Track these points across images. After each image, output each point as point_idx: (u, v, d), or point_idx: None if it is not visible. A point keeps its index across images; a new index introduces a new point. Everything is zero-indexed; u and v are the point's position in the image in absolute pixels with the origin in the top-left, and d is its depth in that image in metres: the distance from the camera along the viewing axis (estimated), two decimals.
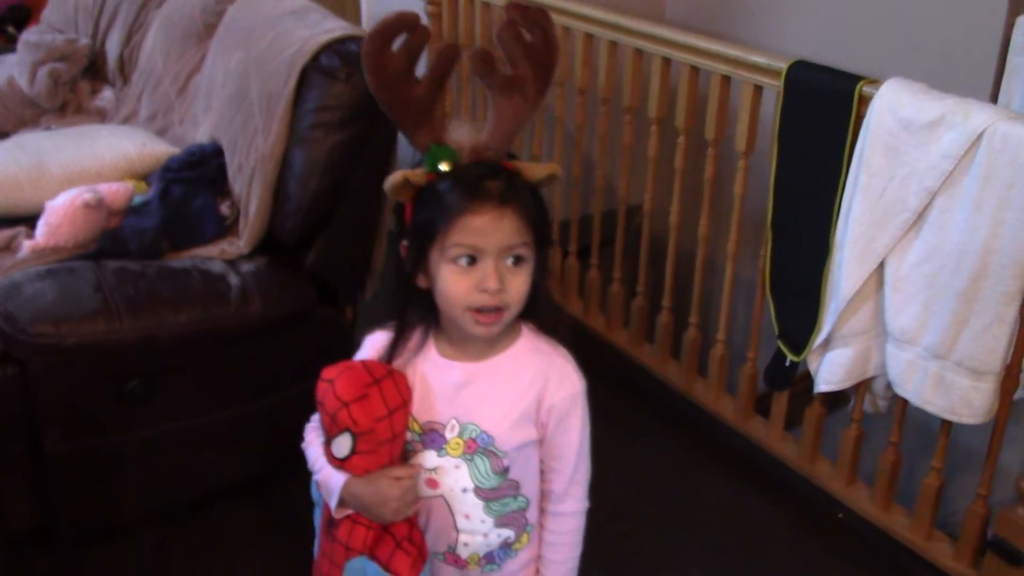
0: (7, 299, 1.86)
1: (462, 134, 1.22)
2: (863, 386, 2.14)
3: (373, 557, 1.26)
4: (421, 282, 1.23)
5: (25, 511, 1.97)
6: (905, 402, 2.02)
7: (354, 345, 2.31)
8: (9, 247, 2.19)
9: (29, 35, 3.09)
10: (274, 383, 2.14)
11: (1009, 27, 2.38)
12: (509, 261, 1.18)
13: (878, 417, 2.22)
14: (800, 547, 2.21)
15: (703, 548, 2.19)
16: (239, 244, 2.13)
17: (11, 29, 3.95)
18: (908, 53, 2.81)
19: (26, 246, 2.12)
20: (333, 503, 1.26)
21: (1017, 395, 1.92)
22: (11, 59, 3.06)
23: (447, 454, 1.27)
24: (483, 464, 1.27)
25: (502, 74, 1.20)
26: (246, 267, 2.07)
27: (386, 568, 1.26)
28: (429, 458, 1.28)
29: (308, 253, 2.15)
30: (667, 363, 2.68)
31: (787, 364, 2.23)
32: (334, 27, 2.15)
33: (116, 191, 2.21)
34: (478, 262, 1.17)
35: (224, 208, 2.21)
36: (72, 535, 2.04)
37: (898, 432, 2.12)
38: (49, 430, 1.88)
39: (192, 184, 2.22)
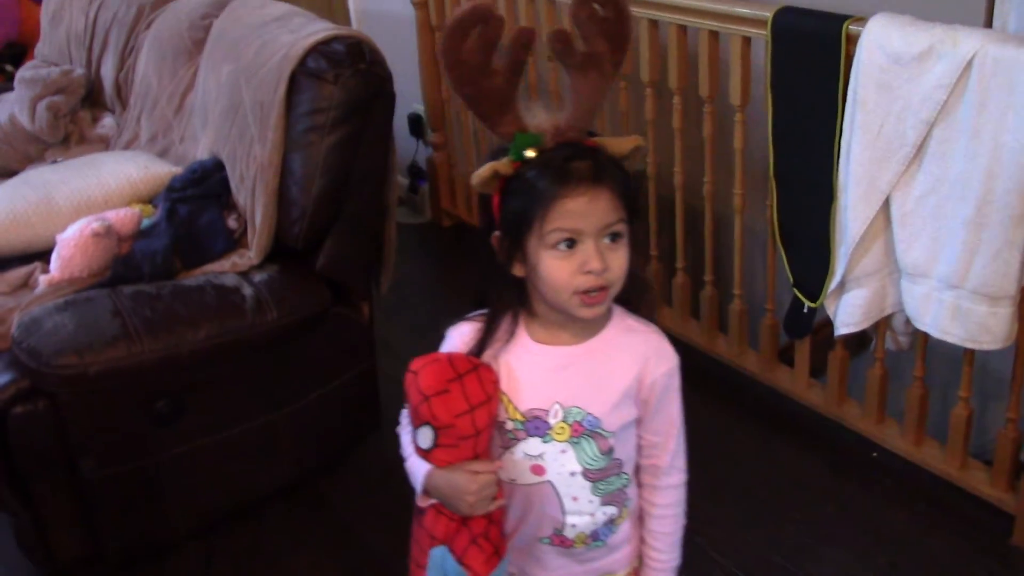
0: (29, 335, 1.89)
1: (540, 118, 1.20)
2: (883, 324, 2.14)
3: (451, 548, 1.27)
4: (517, 271, 1.22)
5: (72, 541, 2.01)
6: (926, 336, 2.02)
7: (375, 341, 2.35)
8: (27, 284, 2.23)
9: (24, 71, 3.12)
10: (299, 387, 2.17)
11: None
12: (607, 239, 1.18)
13: (902, 354, 2.22)
14: (835, 491, 2.22)
15: (740, 500, 2.20)
16: (249, 255, 2.15)
17: (8, 67, 3.99)
18: None
19: (42, 281, 2.15)
20: (418, 491, 1.27)
21: None
22: (10, 97, 3.10)
23: (552, 439, 1.27)
24: (590, 447, 1.27)
25: (579, 52, 1.19)
26: (258, 277, 2.10)
27: (460, 561, 1.26)
28: (533, 445, 1.27)
29: (318, 255, 2.17)
30: (687, 323, 2.69)
31: (805, 311, 2.23)
32: (318, 29, 2.16)
33: (124, 217, 2.24)
34: (578, 244, 1.16)
35: (231, 221, 2.23)
36: (120, 559, 2.08)
37: (921, 366, 2.12)
38: (85, 458, 1.92)
39: (197, 201, 2.25)
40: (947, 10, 1.96)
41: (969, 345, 1.89)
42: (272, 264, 2.15)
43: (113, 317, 1.92)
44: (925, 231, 1.89)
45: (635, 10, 2.41)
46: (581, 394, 1.26)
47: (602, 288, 1.18)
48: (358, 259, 2.26)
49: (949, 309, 1.88)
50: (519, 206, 1.18)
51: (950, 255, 1.85)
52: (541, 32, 2.74)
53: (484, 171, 1.18)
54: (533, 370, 1.27)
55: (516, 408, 1.27)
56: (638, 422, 1.30)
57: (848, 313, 2.09)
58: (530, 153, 1.17)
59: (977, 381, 2.06)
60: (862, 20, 1.93)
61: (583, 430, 1.26)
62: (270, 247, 2.15)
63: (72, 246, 2.12)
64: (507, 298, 1.27)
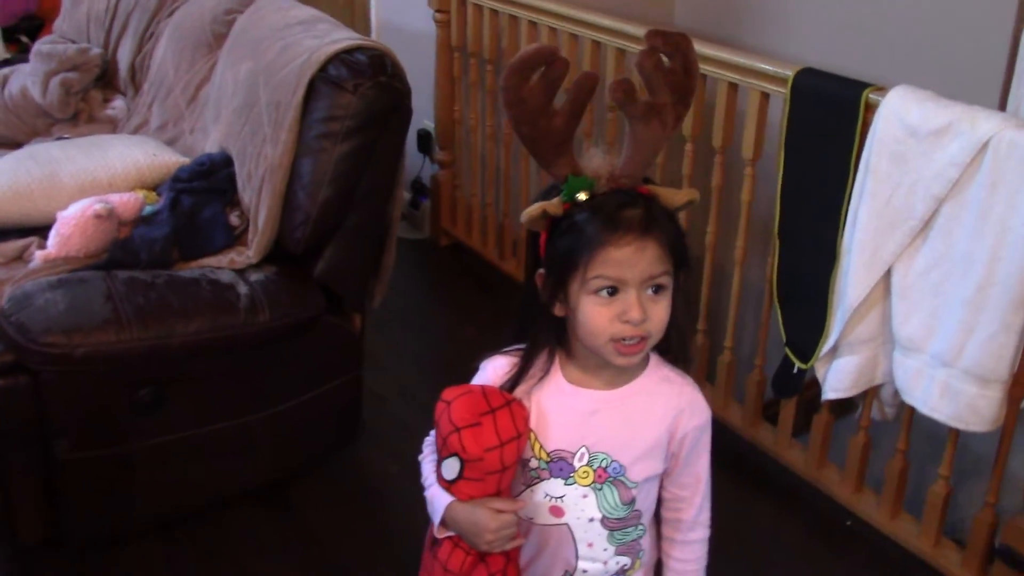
0: (19, 309, 1.87)
1: (597, 161, 1.20)
2: (871, 393, 2.14)
3: None
4: (558, 311, 1.22)
5: (36, 521, 1.98)
6: (912, 409, 2.02)
7: (362, 353, 2.34)
8: (21, 257, 2.21)
9: (41, 45, 3.11)
10: (283, 391, 2.15)
11: (1017, 33, 2.39)
12: (650, 291, 1.17)
13: (886, 424, 2.22)
14: (808, 554, 2.21)
15: (710, 556, 2.18)
16: (248, 254, 2.14)
17: (24, 39, 3.99)
18: (916, 61, 2.81)
19: (38, 256, 2.14)
20: (436, 522, 1.26)
21: None
22: (24, 69, 3.08)
23: (575, 483, 1.26)
24: (612, 494, 1.26)
25: (642, 102, 1.19)
26: (255, 276, 2.09)
27: None
28: (555, 486, 1.27)
29: (317, 262, 2.16)
30: None
31: (795, 371, 2.23)
32: (342, 38, 2.16)
33: (127, 201, 2.23)
34: (619, 292, 1.16)
35: (233, 218, 2.22)
36: (81, 544, 2.05)
37: (905, 439, 2.12)
38: (60, 439, 1.89)
39: (202, 194, 2.24)
40: (962, 89, 1.98)
41: (956, 425, 1.90)
42: (269, 265, 2.14)
43: (105, 301, 1.91)
44: (924, 306, 1.90)
45: None
46: (609, 440, 1.25)
47: (640, 338, 1.18)
48: (356, 270, 2.25)
49: (939, 386, 1.89)
50: (565, 248, 1.17)
51: (946, 332, 1.86)
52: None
53: (534, 209, 1.18)
54: (564, 411, 1.26)
55: (543, 447, 1.26)
56: (665, 474, 1.30)
57: (838, 379, 2.09)
58: (582, 196, 1.17)
59: (956, 459, 2.06)
60: (882, 90, 1.95)
61: (607, 476, 1.25)
62: (270, 248, 2.14)
63: (72, 225, 2.11)
64: (545, 336, 1.26)
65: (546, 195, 1.20)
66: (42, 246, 2.19)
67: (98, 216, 2.12)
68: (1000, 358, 1.80)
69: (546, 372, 1.26)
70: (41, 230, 2.25)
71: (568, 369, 1.27)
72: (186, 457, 2.06)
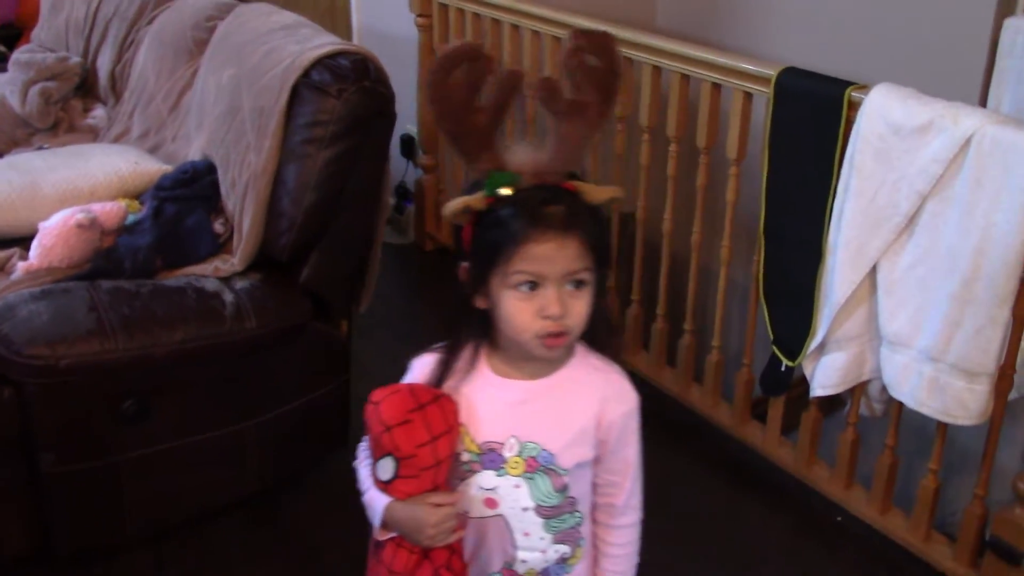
0: (2, 321, 1.85)
1: (521, 156, 1.21)
2: (859, 390, 2.14)
3: None
4: (480, 303, 1.23)
5: (21, 535, 1.96)
6: (901, 405, 2.03)
7: (350, 359, 2.33)
8: (3, 269, 2.19)
9: (20, 54, 3.10)
10: (270, 399, 2.14)
11: (997, 30, 2.40)
12: (570, 286, 1.18)
13: (875, 420, 2.23)
14: (799, 552, 2.21)
15: (701, 555, 2.19)
16: (233, 261, 2.12)
17: (2, 48, 3.96)
18: (897, 58, 2.82)
19: (20, 267, 2.12)
20: (376, 525, 1.27)
21: (1012, 396, 1.92)
22: (2, 78, 3.07)
23: (507, 473, 1.27)
24: (544, 483, 1.27)
25: (565, 99, 1.20)
26: (240, 284, 2.07)
27: None
28: (487, 478, 1.27)
29: (302, 268, 2.15)
30: (663, 370, 2.69)
31: (782, 369, 2.24)
32: (325, 42, 2.15)
33: (109, 211, 2.21)
34: (540, 288, 1.17)
35: (218, 226, 2.21)
36: (69, 557, 2.03)
37: (894, 435, 2.13)
38: (45, 452, 1.87)
39: (185, 202, 2.22)
40: (943, 86, 1.99)
41: (944, 419, 1.90)
42: (255, 272, 2.13)
43: (89, 311, 1.89)
44: (910, 301, 1.90)
45: (639, 55, 2.44)
46: (538, 429, 1.26)
47: (560, 333, 1.19)
48: (342, 276, 2.24)
49: (927, 381, 1.90)
50: (487, 242, 1.18)
51: (932, 328, 1.86)
52: (544, 70, 2.76)
53: (456, 204, 1.19)
54: (492, 403, 1.27)
55: (473, 440, 1.27)
56: (595, 461, 1.30)
57: (826, 375, 2.09)
58: (505, 191, 1.18)
59: (944, 453, 2.07)
60: (865, 88, 1.95)
61: (538, 465, 1.26)
62: (255, 255, 2.13)
63: (54, 235, 2.09)
64: (470, 329, 1.27)
65: (471, 190, 1.21)
66: (24, 257, 2.17)
67: (80, 226, 2.11)
68: (986, 352, 1.81)
69: (473, 365, 1.28)
70: (23, 241, 2.23)
71: (494, 361, 1.28)
72: (173, 468, 2.05)
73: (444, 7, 3.16)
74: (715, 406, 2.55)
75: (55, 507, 1.95)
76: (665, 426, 2.60)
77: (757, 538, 2.25)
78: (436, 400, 1.24)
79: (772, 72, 2.11)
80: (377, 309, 2.58)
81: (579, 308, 1.19)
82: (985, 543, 1.99)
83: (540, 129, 2.87)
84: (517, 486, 1.27)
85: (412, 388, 1.25)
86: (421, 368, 1.31)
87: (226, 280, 2.09)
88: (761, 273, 2.25)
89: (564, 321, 1.18)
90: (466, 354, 1.28)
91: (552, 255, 1.16)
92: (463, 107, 1.18)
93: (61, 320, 1.87)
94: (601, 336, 1.30)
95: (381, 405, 1.23)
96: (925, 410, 1.92)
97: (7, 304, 1.91)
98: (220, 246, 2.20)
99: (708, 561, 2.18)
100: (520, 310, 1.18)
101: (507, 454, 1.26)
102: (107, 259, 2.09)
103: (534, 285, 1.17)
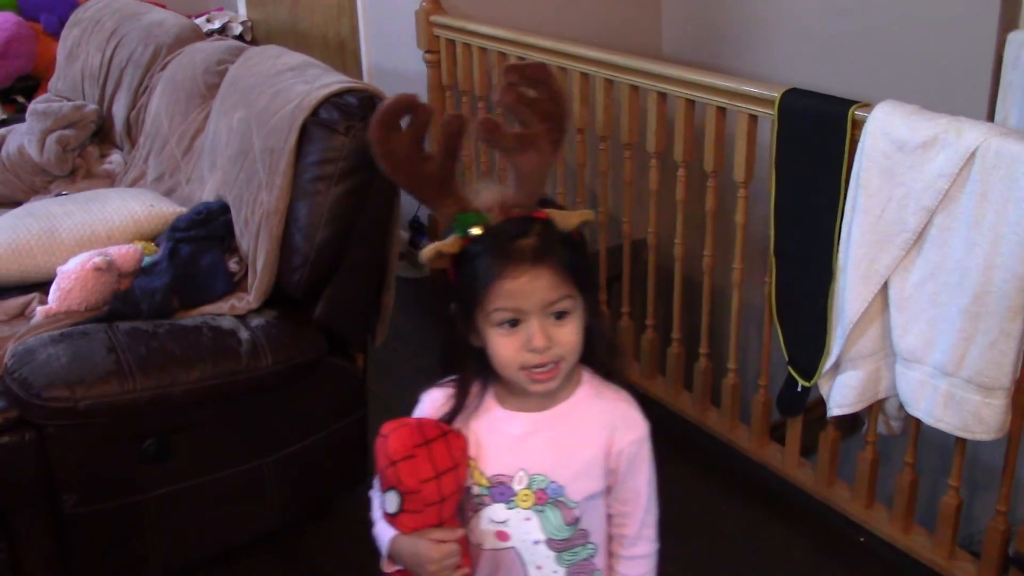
0: (22, 365, 1.88)
1: (485, 195, 1.22)
2: (876, 408, 2.14)
3: None
4: (475, 341, 1.23)
5: (45, 575, 1.98)
6: (919, 422, 2.02)
7: (366, 393, 2.34)
8: (23, 314, 2.22)
9: (37, 104, 3.15)
10: (289, 435, 2.15)
11: (1000, 43, 2.41)
12: (552, 316, 1.18)
13: (896, 439, 2.21)
14: (821, 573, 2.20)
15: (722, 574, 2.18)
16: (248, 299, 2.15)
17: (20, 99, 4.03)
18: (902, 76, 2.83)
19: (39, 312, 2.15)
20: (383, 556, 1.28)
21: None
22: (20, 128, 3.12)
23: (517, 506, 1.26)
24: (554, 516, 1.26)
25: (512, 135, 1.20)
26: (256, 321, 2.09)
27: None
28: (498, 511, 1.27)
29: (317, 304, 2.17)
30: (680, 394, 2.68)
31: (799, 390, 2.23)
32: (332, 81, 2.19)
33: (126, 253, 2.24)
34: (522, 323, 1.17)
35: (232, 264, 2.24)
36: None
37: (913, 452, 2.12)
38: (68, 493, 1.89)
39: (200, 242, 2.25)
40: (950, 102, 2.00)
41: (961, 434, 1.89)
42: (270, 310, 2.15)
43: (107, 352, 1.91)
44: (922, 317, 1.90)
45: (644, 82, 2.46)
46: (546, 461, 1.26)
47: (552, 363, 1.19)
48: (356, 310, 2.26)
49: (943, 397, 1.89)
50: (465, 283, 1.20)
51: (946, 343, 1.86)
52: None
53: (428, 250, 1.21)
54: (499, 436, 1.27)
55: (482, 473, 1.27)
56: (607, 491, 1.29)
57: (842, 394, 2.09)
58: (475, 231, 1.19)
59: (968, 470, 2.05)
60: (868, 106, 1.96)
61: (547, 498, 1.26)
62: (269, 292, 2.15)
63: (72, 279, 2.12)
64: (471, 367, 1.27)
65: (446, 234, 1.22)
66: (43, 301, 2.21)
67: (97, 268, 2.14)
68: (1001, 365, 1.80)
69: (480, 401, 1.28)
70: (42, 286, 2.26)
71: (501, 395, 1.28)
72: (195, 506, 2.06)
73: (451, 43, 3.20)
74: (733, 429, 2.54)
75: (78, 548, 1.97)
76: (683, 450, 2.60)
77: (779, 560, 2.23)
78: (443, 436, 1.24)
79: (775, 94, 2.12)
80: (394, 343, 2.59)
81: (567, 336, 1.19)
82: (1009, 559, 1.97)
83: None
84: (528, 519, 1.27)
85: (420, 423, 1.25)
86: (431, 403, 1.31)
87: (242, 318, 2.11)
88: (773, 294, 2.25)
89: (553, 351, 1.18)
90: (474, 390, 1.28)
91: (527, 288, 1.16)
92: (410, 159, 1.20)
93: (80, 362, 1.89)
94: (603, 359, 1.30)
95: (388, 439, 1.23)
96: (942, 426, 1.91)
97: (27, 348, 1.93)
98: (235, 284, 2.22)
99: None
100: (504, 345, 1.19)
101: (516, 487, 1.26)
102: (124, 301, 2.12)
103: (515, 320, 1.18)
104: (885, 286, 1.96)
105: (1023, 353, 1.81)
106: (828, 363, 2.10)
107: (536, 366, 1.19)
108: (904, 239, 1.90)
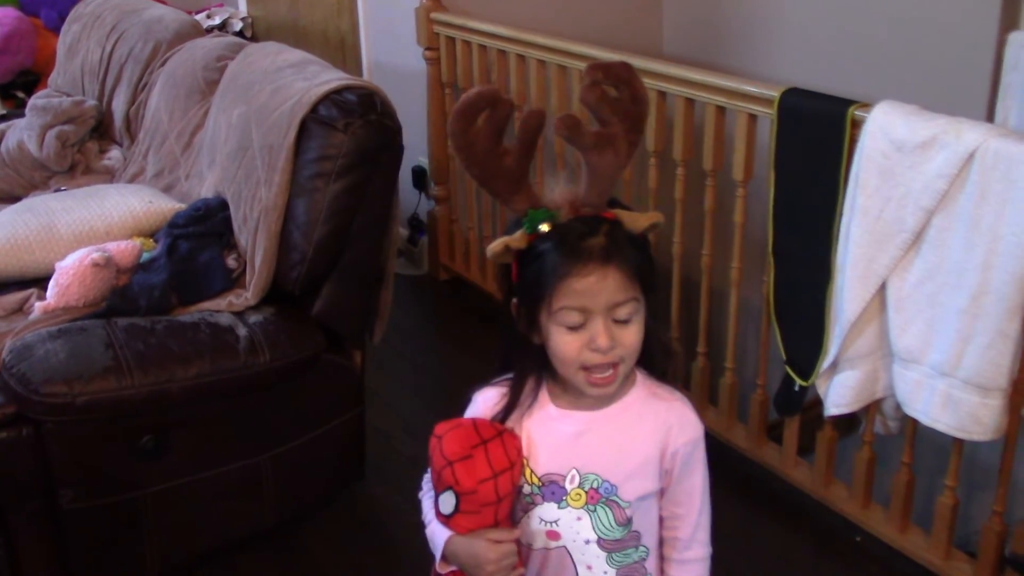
0: (20, 360, 1.88)
1: (557, 192, 1.21)
2: (873, 408, 2.14)
3: None
4: (536, 339, 1.23)
5: (44, 571, 1.98)
6: (916, 422, 2.02)
7: (364, 390, 2.34)
8: (21, 309, 2.22)
9: (37, 99, 3.15)
10: (286, 432, 2.15)
11: (1000, 44, 2.40)
12: (617, 317, 1.18)
13: (894, 439, 2.21)
14: (818, 572, 2.20)
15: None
16: (246, 296, 2.15)
17: (20, 94, 4.03)
18: (902, 76, 2.83)
19: (38, 307, 2.15)
20: (437, 557, 1.27)
21: None
22: (20, 123, 3.12)
23: (568, 505, 1.26)
24: (606, 515, 1.26)
25: (591, 133, 1.19)
26: (254, 318, 2.10)
27: None
28: (549, 510, 1.27)
29: (315, 301, 2.17)
30: None
31: (796, 389, 2.23)
32: (331, 78, 2.19)
33: (124, 249, 2.25)
34: (587, 322, 1.17)
35: (231, 261, 2.24)
36: None
37: (910, 452, 2.12)
38: (64, 489, 1.90)
39: (198, 239, 2.25)
40: (950, 103, 1.99)
41: (958, 435, 1.89)
42: (268, 306, 2.15)
43: (105, 349, 1.92)
44: (920, 317, 1.90)
45: (645, 81, 2.44)
46: (599, 460, 1.25)
47: (611, 365, 1.19)
48: (354, 307, 2.26)
49: (940, 397, 1.89)
50: (531, 279, 1.19)
51: (943, 343, 1.86)
52: (551, 99, 2.79)
53: (497, 245, 1.20)
54: (552, 435, 1.26)
55: (533, 472, 1.26)
56: (660, 493, 1.29)
57: (839, 394, 2.09)
58: (544, 227, 1.18)
59: (964, 471, 2.05)
60: (867, 106, 1.96)
61: (599, 497, 1.25)
62: (267, 289, 2.16)
63: (70, 275, 2.12)
64: (529, 365, 1.27)
65: (511, 229, 1.22)
66: (41, 297, 2.21)
67: (96, 265, 2.14)
68: (998, 366, 1.80)
69: (534, 399, 1.27)
70: (40, 281, 2.27)
71: (555, 393, 1.27)
72: (192, 502, 2.06)
73: (451, 40, 3.20)
74: (731, 428, 2.54)
75: (75, 544, 1.97)
76: None
77: (776, 559, 2.24)
78: (499, 436, 1.23)
79: (775, 93, 2.12)
80: (392, 340, 2.60)
81: (629, 338, 1.19)
82: (1005, 559, 1.97)
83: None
84: (579, 518, 1.26)
85: (476, 423, 1.25)
86: (484, 402, 1.30)
87: (240, 315, 2.11)
88: (772, 293, 2.25)
89: (615, 352, 1.17)
90: (528, 388, 1.27)
91: (595, 288, 1.15)
92: (488, 153, 1.19)
93: (78, 358, 1.89)
94: (658, 362, 1.29)
95: (444, 439, 1.23)
96: (939, 426, 1.91)
97: (25, 343, 1.93)
98: (233, 281, 2.22)
99: None
100: (567, 343, 1.18)
101: (568, 486, 1.25)
102: (122, 297, 2.12)
103: (581, 319, 1.17)
104: (883, 286, 1.95)
105: (1020, 354, 1.82)
106: (826, 363, 2.10)
107: (596, 366, 1.18)
108: (902, 239, 1.90)
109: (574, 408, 1.26)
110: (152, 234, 2.41)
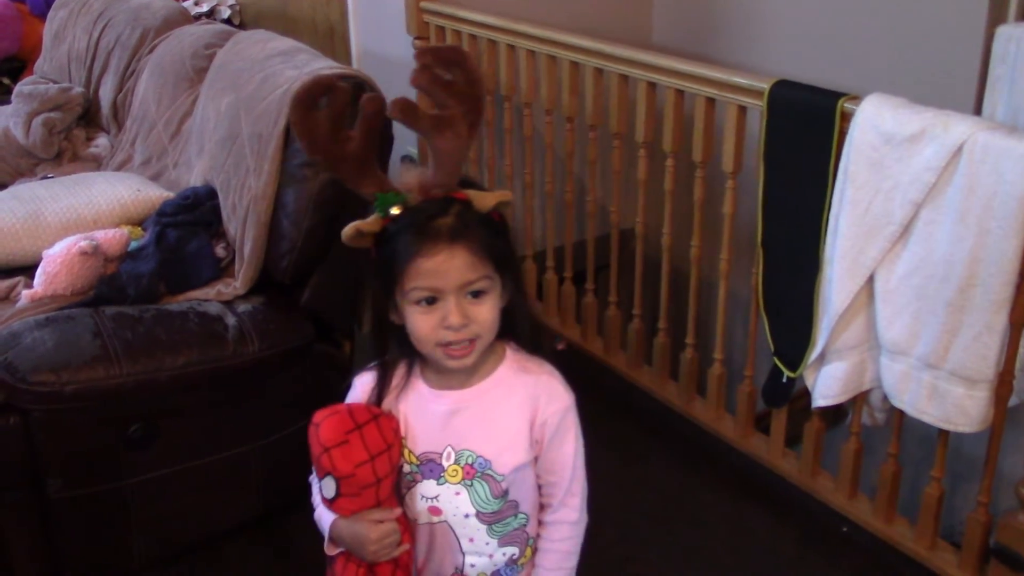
0: (7, 349, 1.88)
1: (407, 176, 1.25)
2: (860, 399, 2.15)
3: None
4: (396, 319, 1.26)
5: (30, 560, 1.97)
6: (902, 413, 2.03)
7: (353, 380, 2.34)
8: (8, 297, 2.21)
9: (23, 86, 3.13)
10: (275, 421, 2.15)
11: (989, 37, 2.41)
12: (469, 295, 1.21)
13: (881, 430, 2.23)
14: (804, 563, 2.21)
15: (707, 568, 2.19)
16: (235, 285, 2.15)
17: (5, 80, 4.01)
18: (891, 69, 2.84)
19: (25, 295, 2.14)
20: (325, 540, 1.32)
21: (1013, 402, 1.93)
22: (6, 110, 3.10)
23: (447, 482, 1.30)
24: (483, 489, 1.30)
25: (429, 116, 1.22)
26: (243, 307, 2.09)
27: None
28: (429, 487, 1.31)
29: (304, 290, 2.16)
30: (666, 384, 2.69)
31: (784, 381, 2.24)
32: (321, 67, 2.18)
33: (112, 238, 2.24)
34: (439, 300, 1.21)
35: (219, 250, 2.23)
36: None
37: (896, 444, 2.13)
38: (52, 477, 1.89)
39: (187, 227, 2.25)
40: (938, 96, 2.00)
41: (944, 426, 1.91)
42: (257, 296, 2.15)
43: (93, 337, 1.91)
44: (907, 309, 1.91)
45: (634, 72, 2.46)
46: (472, 437, 1.30)
47: (468, 340, 1.22)
48: (343, 297, 2.25)
49: (926, 389, 1.90)
50: (384, 262, 1.23)
51: (930, 335, 1.87)
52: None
53: (349, 229, 1.24)
54: (425, 415, 1.31)
55: (412, 452, 1.31)
56: (534, 462, 1.33)
57: (827, 385, 2.10)
58: (395, 210, 1.22)
59: (950, 462, 2.07)
60: (856, 99, 1.97)
61: (475, 472, 1.29)
62: (256, 278, 2.15)
63: (58, 263, 2.11)
64: (395, 346, 1.31)
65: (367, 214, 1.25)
66: (29, 285, 2.20)
67: (83, 252, 2.13)
68: (985, 358, 1.81)
69: (407, 380, 1.31)
70: (27, 269, 2.26)
71: (427, 374, 1.32)
72: (180, 491, 2.06)
73: (441, 29, 3.19)
74: (719, 419, 2.55)
75: (63, 532, 1.97)
76: (668, 439, 2.61)
77: (762, 549, 2.25)
78: (375, 419, 1.27)
79: (765, 85, 2.12)
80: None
81: (483, 314, 1.22)
82: (990, 550, 1.99)
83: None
84: (457, 493, 1.30)
85: (351, 408, 1.29)
86: (362, 387, 1.35)
87: (228, 304, 2.11)
88: (760, 285, 2.26)
89: (470, 328, 1.21)
90: (401, 370, 1.32)
91: (443, 268, 1.19)
92: (330, 137, 1.22)
93: (66, 347, 1.89)
94: (526, 336, 1.33)
95: (320, 427, 1.27)
96: (926, 418, 1.92)
97: (12, 332, 1.93)
98: (222, 270, 2.22)
99: (714, 572, 2.18)
100: (422, 322, 1.22)
101: (445, 463, 1.30)
102: (110, 285, 2.11)
103: (432, 298, 1.20)
104: (871, 278, 1.96)
105: (1006, 346, 1.83)
106: (813, 354, 2.11)
107: (452, 342, 1.22)
108: (891, 232, 1.90)
109: (445, 387, 1.30)
110: (140, 222, 2.41)
